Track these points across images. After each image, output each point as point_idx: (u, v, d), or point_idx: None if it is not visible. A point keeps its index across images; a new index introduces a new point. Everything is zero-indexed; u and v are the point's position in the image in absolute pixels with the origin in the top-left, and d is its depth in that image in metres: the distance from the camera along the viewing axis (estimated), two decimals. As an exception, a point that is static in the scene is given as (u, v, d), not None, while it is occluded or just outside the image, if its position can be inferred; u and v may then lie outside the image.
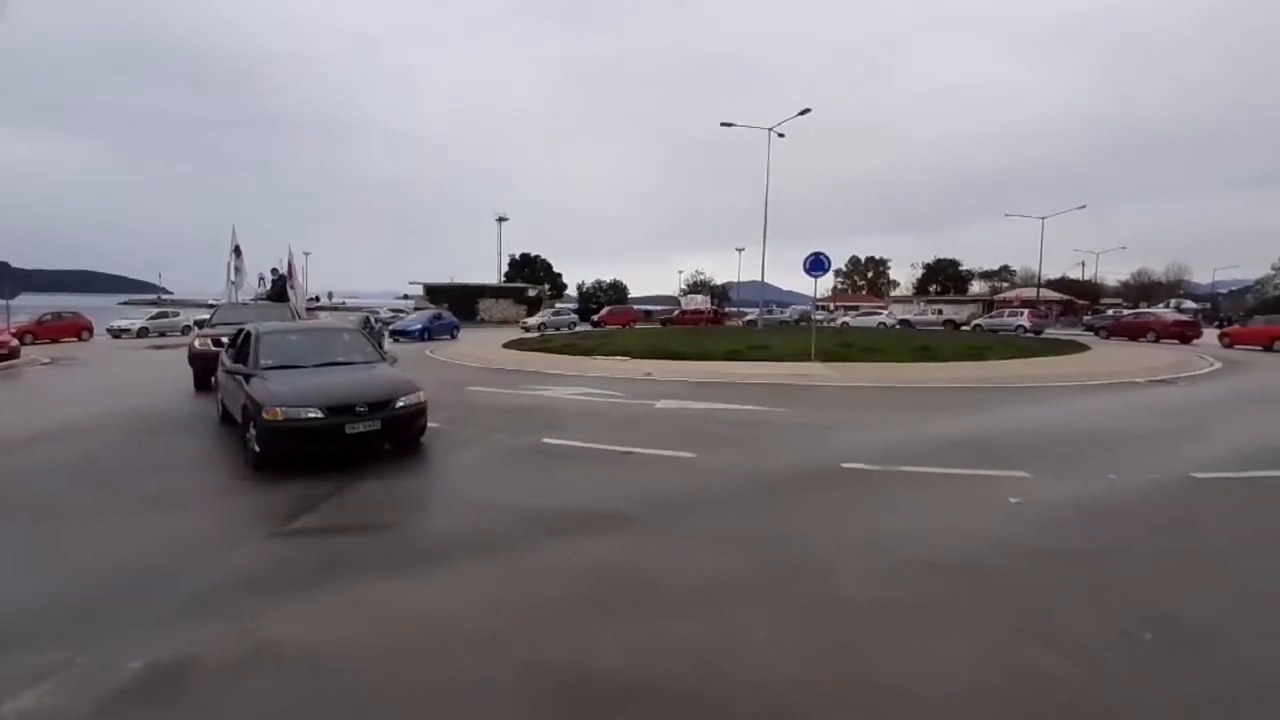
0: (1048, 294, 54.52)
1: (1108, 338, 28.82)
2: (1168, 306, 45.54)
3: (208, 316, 16.34)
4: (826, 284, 78.18)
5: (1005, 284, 76.00)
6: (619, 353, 17.75)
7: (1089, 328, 35.69)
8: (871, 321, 42.05)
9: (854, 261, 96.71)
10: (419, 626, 3.30)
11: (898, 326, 40.59)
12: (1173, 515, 4.96)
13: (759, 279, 39.83)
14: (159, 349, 22.69)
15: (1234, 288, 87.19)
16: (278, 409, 5.94)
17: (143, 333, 30.49)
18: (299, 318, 14.17)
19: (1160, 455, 6.74)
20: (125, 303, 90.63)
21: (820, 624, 3.30)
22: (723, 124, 33.37)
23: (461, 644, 3.13)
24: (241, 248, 19.31)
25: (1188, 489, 5.58)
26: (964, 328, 38.28)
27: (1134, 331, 27.88)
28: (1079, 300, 55.97)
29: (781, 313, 51.23)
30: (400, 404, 6.55)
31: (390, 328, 28.51)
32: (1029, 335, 30.54)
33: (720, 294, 66.63)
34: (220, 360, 8.71)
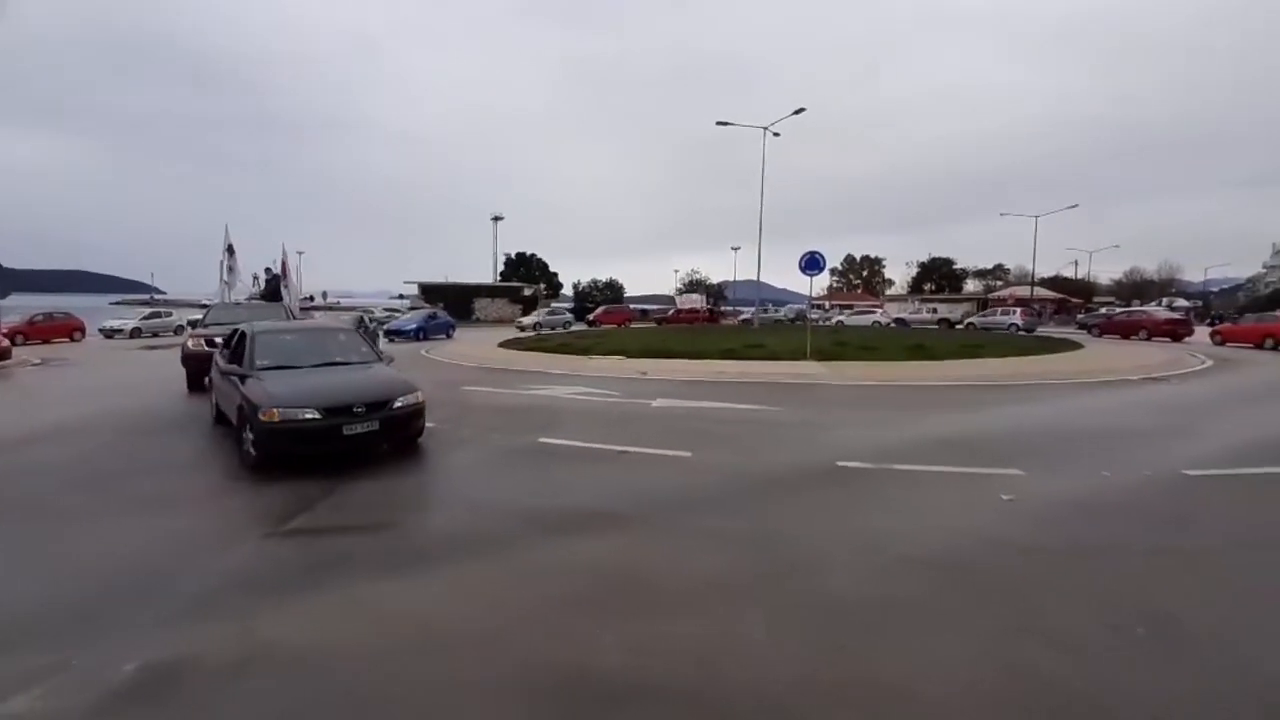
0: (1042, 292, 54.77)
1: (1100, 336, 29.00)
2: (1160, 305, 45.83)
3: (200, 316, 16.25)
4: (822, 283, 78.40)
5: (999, 283, 76.35)
6: (615, 352, 17.75)
7: (1082, 326, 35.91)
8: (866, 320, 42.16)
9: (849, 260, 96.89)
10: (417, 626, 3.30)
11: (893, 325, 40.70)
12: (1165, 512, 5.00)
13: (754, 278, 39.88)
14: (152, 349, 22.57)
15: (1225, 286, 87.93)
16: (275, 410, 5.91)
17: (135, 333, 30.30)
18: (293, 317, 14.11)
19: (1152, 452, 6.79)
20: (117, 303, 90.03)
21: (817, 622, 3.32)
22: (718, 123, 33.42)
23: (460, 644, 3.14)
24: (235, 247, 19.19)
25: (1180, 486, 5.62)
26: (958, 326, 38.43)
27: (1126, 329, 28.07)
28: (1072, 299, 56.26)
29: (777, 312, 51.33)
30: (398, 404, 6.53)
31: (385, 327, 28.41)
32: (1022, 333, 30.70)
33: (716, 293, 66.69)
34: (214, 361, 8.66)
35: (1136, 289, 71.20)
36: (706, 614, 3.42)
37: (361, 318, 25.82)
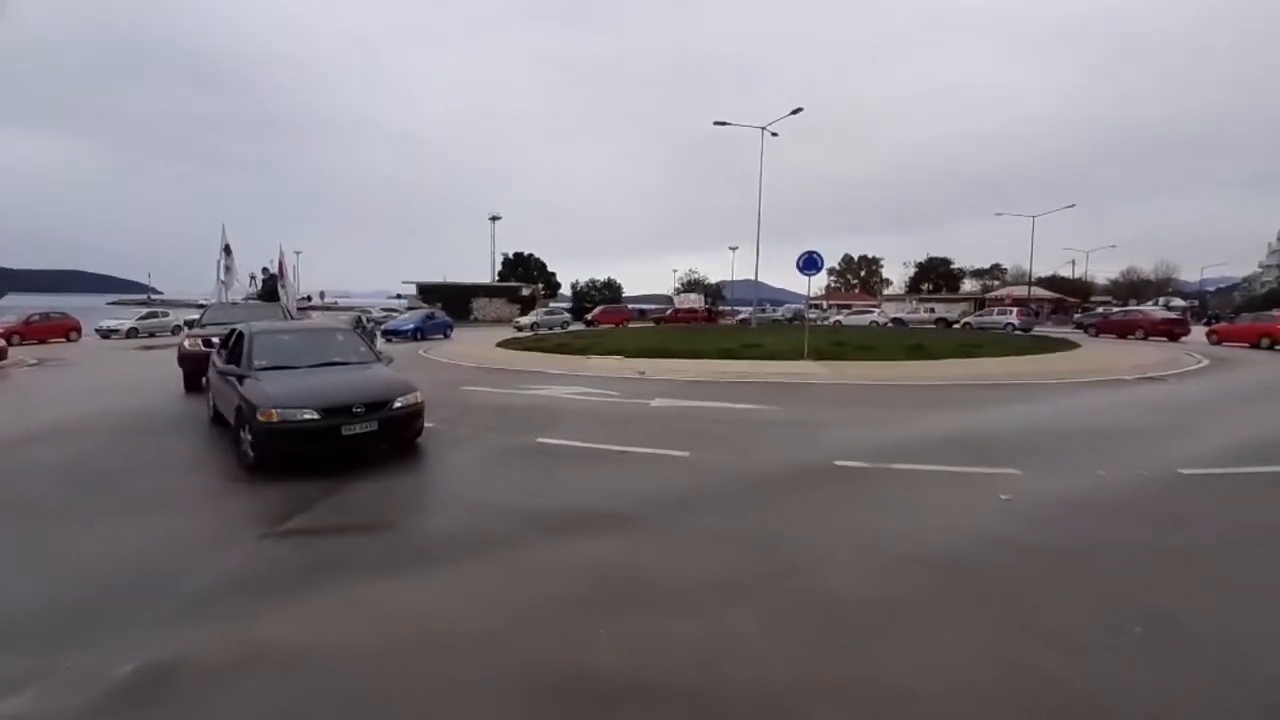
0: (1039, 292, 54.91)
1: (1097, 335, 29.08)
2: (1156, 304, 45.99)
3: (197, 317, 16.21)
4: (820, 282, 78.55)
5: (996, 282, 76.54)
6: (613, 352, 17.75)
7: (1079, 325, 36.00)
8: (863, 320, 42.19)
9: (847, 260, 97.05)
10: (415, 626, 3.30)
11: (890, 325, 40.75)
12: (1161, 511, 5.02)
13: (753, 278, 39.90)
14: (148, 349, 22.51)
15: (1222, 285, 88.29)
16: (273, 411, 5.89)
17: (132, 333, 30.20)
18: (290, 317, 14.07)
19: (1149, 452, 6.81)
20: (114, 303, 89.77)
21: (815, 622, 3.32)
22: (716, 123, 33.41)
23: (459, 644, 3.13)
24: (231, 247, 19.14)
25: (1176, 485, 5.64)
26: (955, 326, 38.51)
27: (1122, 329, 28.15)
28: (1069, 298, 56.41)
29: (774, 311, 51.36)
30: (398, 404, 6.50)
31: (382, 327, 28.36)
32: (1018, 333, 30.78)
33: (714, 293, 66.74)
34: (211, 361, 8.61)
35: (1133, 289, 71.46)
36: (705, 613, 3.42)
37: (359, 317, 25.75)
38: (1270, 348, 20.53)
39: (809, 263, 16.51)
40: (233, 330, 8.22)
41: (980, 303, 51.13)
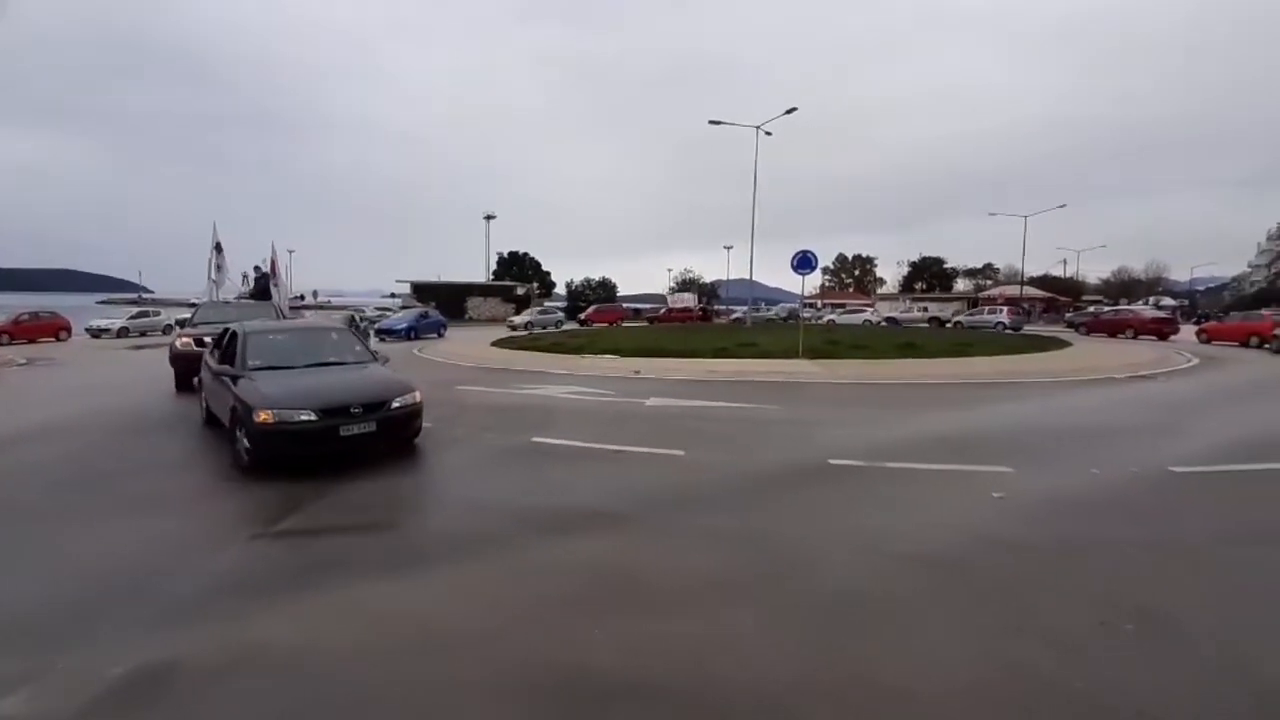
0: (1031, 291, 55.26)
1: (1088, 334, 29.31)
2: (1147, 304, 46.36)
3: (189, 316, 16.09)
4: (814, 282, 78.66)
5: (989, 281, 76.96)
6: (608, 351, 17.75)
7: (1070, 324, 36.26)
8: (857, 319, 42.35)
9: (841, 259, 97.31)
10: (411, 626, 3.29)
11: (883, 324, 40.94)
12: (1152, 509, 5.06)
13: (747, 277, 39.97)
14: (139, 349, 22.34)
15: (1211, 285, 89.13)
16: (269, 412, 5.82)
17: (123, 333, 29.97)
18: (283, 316, 14.00)
19: (1140, 450, 6.86)
20: (104, 302, 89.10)
21: (812, 620, 3.33)
22: (711, 122, 33.44)
23: (455, 644, 3.13)
24: (223, 245, 19.01)
25: (1166, 483, 5.69)
26: (947, 325, 38.72)
27: (1113, 328, 28.37)
28: (1061, 298, 56.79)
29: (769, 310, 51.48)
30: (396, 405, 6.44)
31: (376, 326, 28.23)
32: (1008, 331, 30.99)
33: (709, 292, 66.81)
34: (204, 361, 8.54)
35: (1124, 288, 71.98)
36: (702, 612, 3.43)
37: (353, 317, 25.63)
38: (1259, 346, 20.72)
39: (803, 262, 16.56)
40: (226, 330, 8.13)
41: (973, 302, 51.42)
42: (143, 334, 30.18)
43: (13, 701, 2.66)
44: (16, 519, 5.01)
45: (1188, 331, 27.50)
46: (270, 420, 5.80)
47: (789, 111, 31.48)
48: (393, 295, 56.58)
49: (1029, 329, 34.36)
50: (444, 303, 42.38)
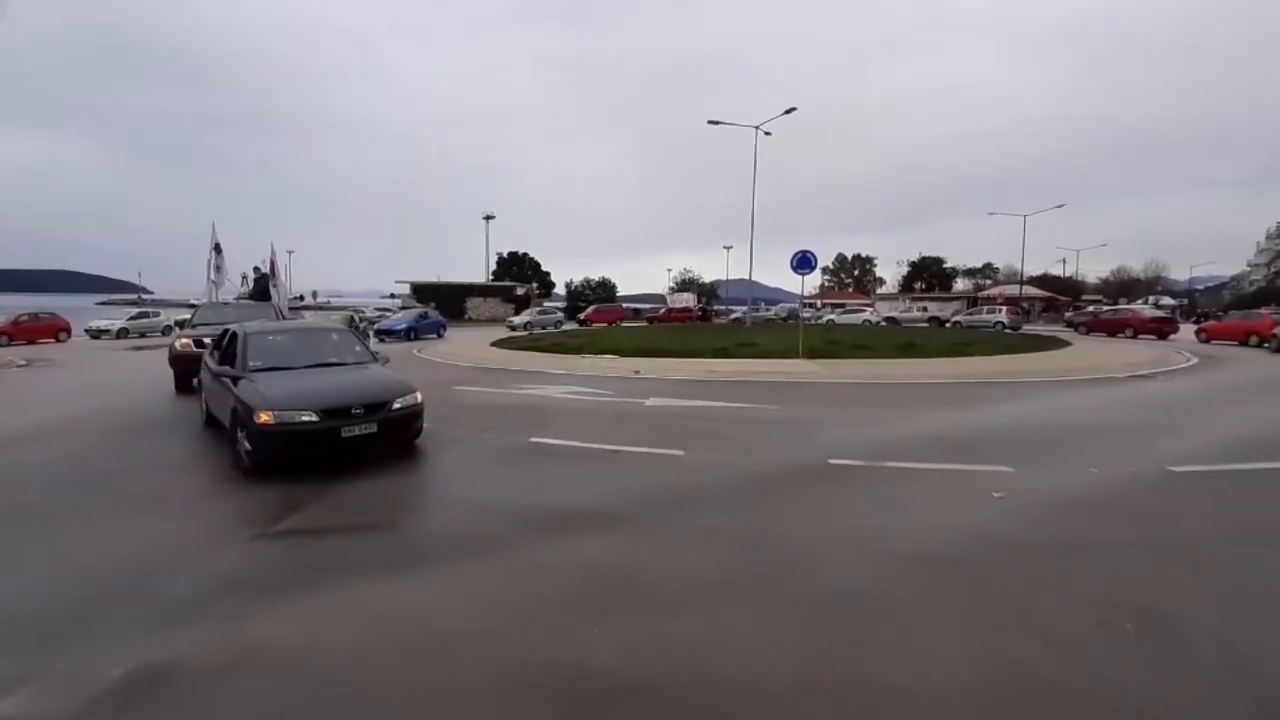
0: (1030, 291, 55.27)
1: (1087, 333, 29.33)
2: (1146, 303, 46.40)
3: (188, 316, 16.09)
4: (814, 281, 78.70)
5: (989, 281, 76.96)
6: (607, 351, 17.75)
7: (1070, 324, 36.28)
8: (856, 319, 42.37)
9: (841, 259, 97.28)
10: (410, 627, 3.29)
11: (883, 323, 40.96)
12: (1151, 508, 5.07)
13: (747, 277, 40.00)
14: (139, 350, 22.34)
15: (1211, 284, 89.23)
16: (270, 413, 5.80)
17: (122, 333, 29.97)
18: (283, 317, 13.99)
19: (1139, 449, 6.86)
20: (104, 303, 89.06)
21: (812, 620, 3.33)
22: (710, 122, 33.46)
23: (455, 644, 3.13)
24: (222, 245, 18.99)
25: (1166, 482, 5.69)
26: (947, 325, 38.75)
27: (1112, 327, 28.39)
28: (1060, 297, 56.80)
29: (768, 310, 51.49)
30: (397, 405, 6.43)
31: (375, 327, 28.24)
32: (1007, 331, 31.02)
33: (709, 292, 66.81)
34: (204, 362, 8.53)
35: (1124, 287, 72.03)
36: (701, 612, 3.42)
37: (352, 317, 25.62)
38: (1259, 345, 20.73)
39: (802, 262, 16.56)
40: (225, 331, 8.13)
41: (972, 301, 51.44)
42: (142, 335, 30.17)
43: (13, 702, 2.66)
44: (16, 519, 5.00)
45: (1187, 331, 27.52)
46: (271, 421, 5.78)
47: (788, 111, 31.50)
48: (392, 296, 56.56)
49: (1029, 328, 34.38)
50: (443, 303, 42.37)
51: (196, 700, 2.69)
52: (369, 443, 6.19)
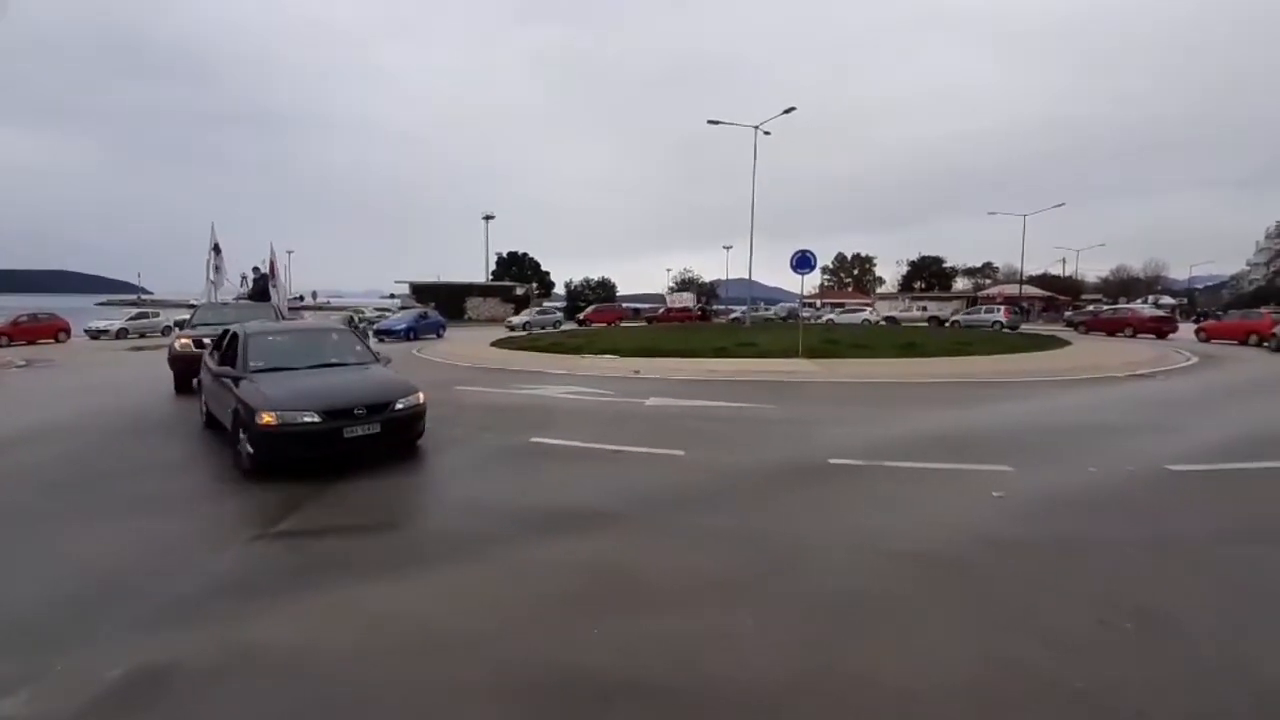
0: (1030, 290, 55.28)
1: (1086, 332, 29.36)
2: (1145, 302, 46.41)
3: (188, 317, 16.08)
4: (814, 281, 78.69)
5: (988, 280, 76.95)
6: (607, 351, 17.75)
7: (1069, 323, 36.30)
8: (855, 318, 42.39)
9: (840, 259, 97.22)
10: (409, 627, 3.29)
11: (882, 323, 40.98)
12: (1150, 508, 5.07)
13: (747, 276, 40.02)
14: (138, 350, 22.33)
15: (1210, 283, 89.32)
16: (273, 414, 5.77)
17: (122, 334, 29.97)
18: (282, 317, 13.99)
19: (1138, 448, 6.87)
20: (103, 303, 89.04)
21: (809, 620, 3.33)
22: (709, 121, 33.48)
23: (454, 644, 3.13)
24: (221, 245, 18.97)
25: (1165, 481, 5.69)
26: (946, 324, 38.78)
27: (1111, 327, 28.42)
28: (1060, 296, 56.82)
29: (767, 310, 51.50)
30: (399, 406, 6.41)
31: (375, 327, 28.23)
32: (1006, 330, 31.04)
33: (708, 291, 66.80)
34: (204, 362, 8.51)
35: (1123, 286, 72.05)
36: (701, 612, 3.43)
37: (351, 317, 25.61)
38: (1258, 345, 20.74)
39: (802, 261, 16.57)
40: (225, 331, 8.11)
41: (972, 301, 51.46)
42: (141, 335, 30.17)
43: (12, 702, 2.66)
44: (16, 520, 5.00)
45: (1186, 330, 27.55)
46: (273, 422, 5.75)
47: (787, 111, 31.52)
48: (392, 296, 56.56)
49: (1029, 328, 34.40)
50: (443, 303, 42.36)
51: (196, 700, 2.70)
52: (371, 443, 6.17)
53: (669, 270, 78.80)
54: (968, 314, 39.09)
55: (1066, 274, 71.92)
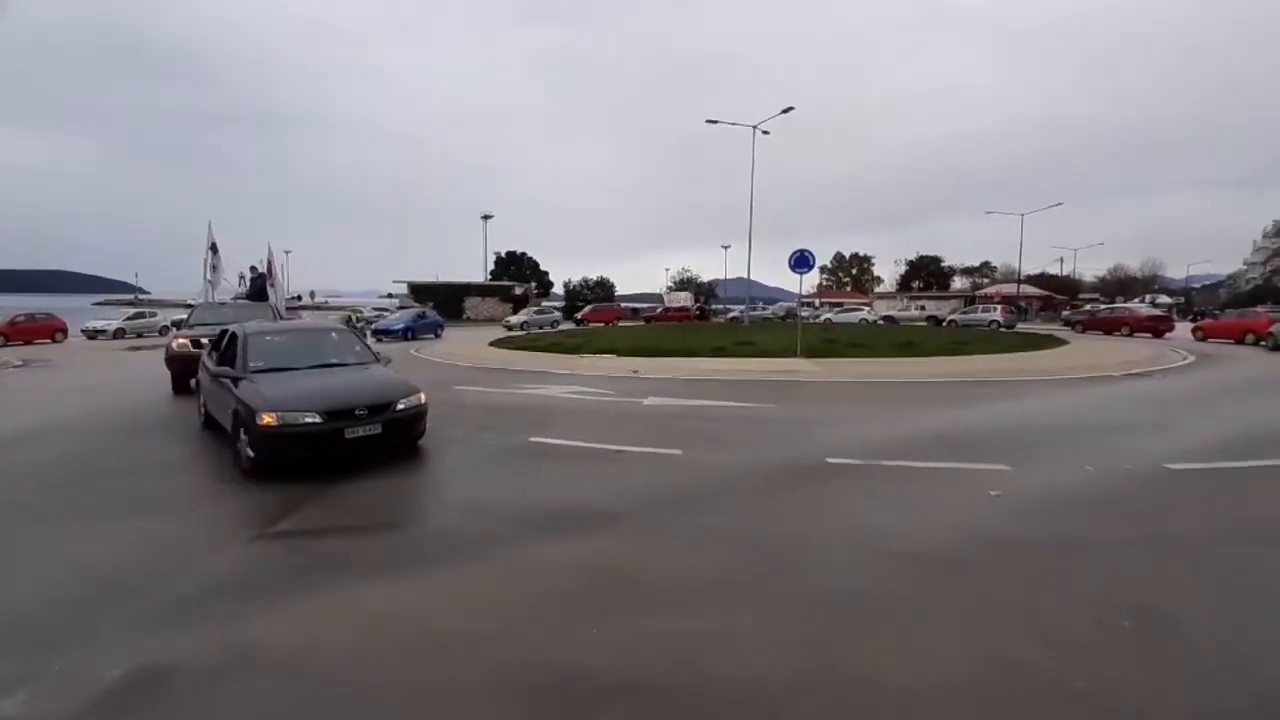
0: (1028, 289, 55.38)
1: (1084, 332, 29.43)
2: (1143, 301, 46.53)
3: (185, 317, 16.04)
4: (812, 281, 78.80)
5: (986, 280, 77.05)
6: (606, 350, 17.75)
7: (1067, 322, 36.39)
8: (853, 318, 42.44)
9: (839, 258, 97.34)
10: (409, 627, 3.29)
11: (880, 322, 41.03)
12: (1148, 506, 5.08)
13: (745, 276, 40.03)
14: (136, 350, 22.29)
15: (1208, 282, 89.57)
16: (273, 414, 5.75)
17: (119, 334, 29.91)
18: (280, 317, 13.95)
19: (1136, 447, 6.88)
20: (100, 303, 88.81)
21: (809, 619, 3.34)
22: (708, 121, 33.52)
23: (453, 644, 3.13)
24: (218, 244, 18.91)
25: (1163, 480, 5.71)
26: (944, 324, 38.85)
27: (1109, 326, 28.49)
28: (1058, 295, 56.93)
29: (765, 310, 51.51)
30: (401, 406, 6.39)
31: (373, 327, 28.19)
32: (1002, 330, 31.11)
33: (707, 291, 66.82)
34: (202, 363, 8.48)
35: (1120, 286, 72.24)
36: (700, 612, 3.43)
37: (349, 317, 25.56)
38: (1255, 344, 20.80)
39: (800, 261, 16.58)
40: (224, 331, 8.08)
41: (970, 300, 51.54)
42: (139, 335, 30.11)
43: (12, 702, 2.66)
44: (14, 520, 4.99)
45: (1183, 329, 27.62)
46: (274, 423, 5.72)
47: (786, 111, 31.55)
48: (390, 295, 56.47)
49: (1027, 327, 34.47)
50: (442, 303, 42.33)
51: (196, 701, 2.70)
52: (373, 444, 6.15)
53: (667, 270, 78.81)
54: (964, 313, 39.17)
55: (1064, 273, 72.12)
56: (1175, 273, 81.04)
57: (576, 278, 65.62)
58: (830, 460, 6.34)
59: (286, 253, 59.55)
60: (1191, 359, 16.55)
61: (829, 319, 42.97)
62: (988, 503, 5.09)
